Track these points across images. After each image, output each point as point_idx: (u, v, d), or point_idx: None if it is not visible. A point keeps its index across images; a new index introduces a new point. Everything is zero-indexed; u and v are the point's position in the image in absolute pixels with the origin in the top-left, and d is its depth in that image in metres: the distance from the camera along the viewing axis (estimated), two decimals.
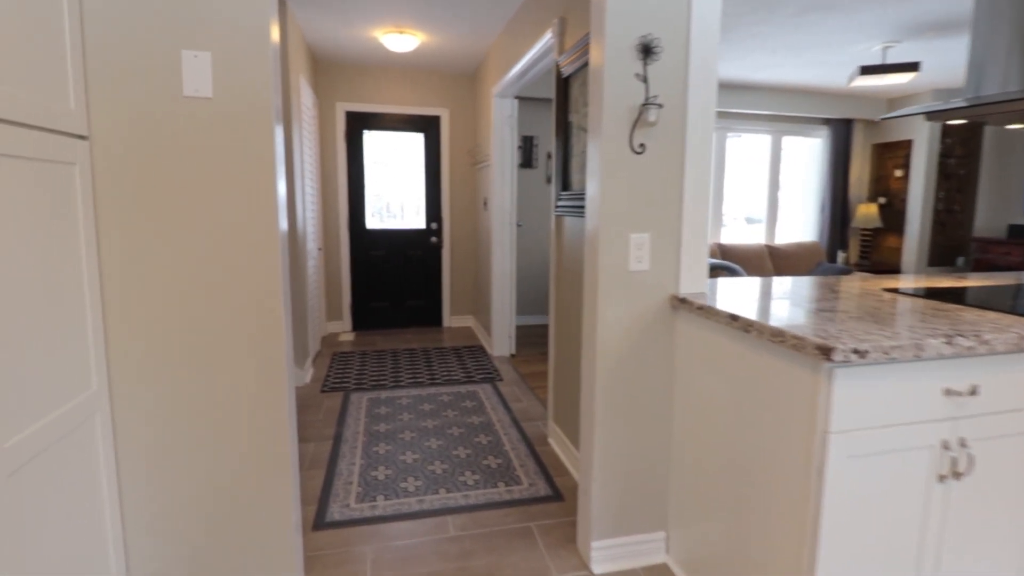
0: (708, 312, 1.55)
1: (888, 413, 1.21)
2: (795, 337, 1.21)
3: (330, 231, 5.05)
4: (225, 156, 1.43)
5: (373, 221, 5.21)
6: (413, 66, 4.94)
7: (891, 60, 4.31)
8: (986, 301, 1.60)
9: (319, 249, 4.71)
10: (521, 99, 5.16)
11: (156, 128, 1.38)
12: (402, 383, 3.75)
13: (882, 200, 6.04)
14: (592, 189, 1.72)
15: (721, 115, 5.65)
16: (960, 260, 5.78)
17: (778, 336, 1.26)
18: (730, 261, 5.21)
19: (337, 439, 2.85)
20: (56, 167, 1.19)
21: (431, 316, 5.46)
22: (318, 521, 2.12)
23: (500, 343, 4.44)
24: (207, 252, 1.45)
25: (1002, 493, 1.34)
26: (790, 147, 6.10)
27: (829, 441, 1.18)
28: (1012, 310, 1.47)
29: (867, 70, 3.94)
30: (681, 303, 1.70)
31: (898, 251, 5.88)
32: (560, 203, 2.66)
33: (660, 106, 1.59)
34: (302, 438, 2.87)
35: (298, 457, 2.60)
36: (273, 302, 1.51)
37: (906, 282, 2.04)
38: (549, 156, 5.44)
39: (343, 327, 5.23)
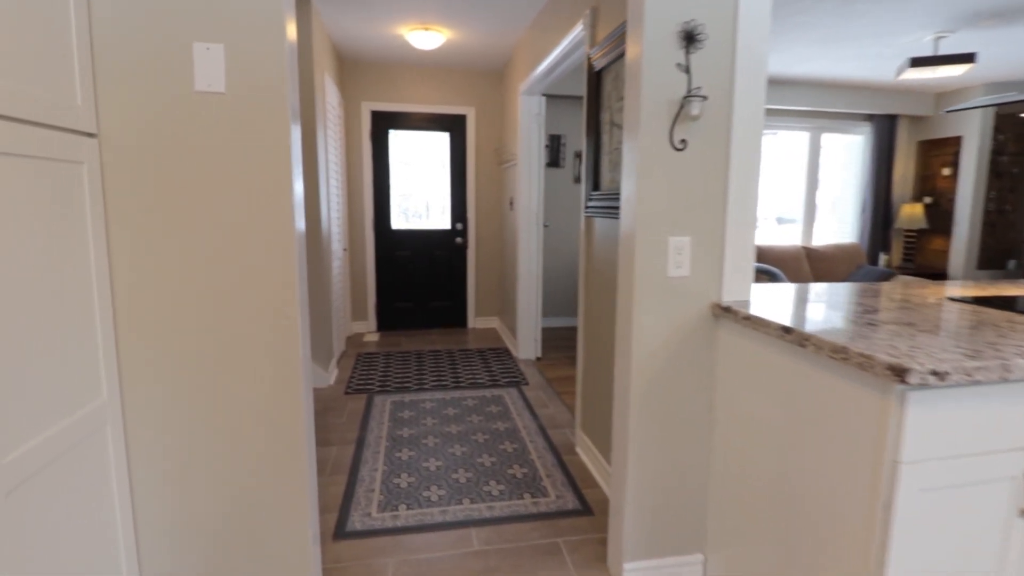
0: (756, 323, 1.42)
1: (967, 441, 1.07)
2: (861, 355, 1.08)
3: (355, 231, 5.02)
4: (239, 154, 1.35)
5: (398, 221, 5.16)
6: (438, 64, 4.87)
7: (943, 51, 4.07)
8: None
9: (344, 249, 4.68)
10: (549, 96, 5.05)
11: (167, 125, 1.31)
12: (426, 386, 3.68)
13: (928, 200, 5.74)
14: (628, 189, 1.61)
15: None
16: (1011, 263, 5.46)
17: (840, 353, 1.13)
18: (765, 263, 5.02)
19: (360, 443, 2.79)
20: (63, 166, 1.14)
21: (456, 317, 5.39)
22: (339, 531, 2.05)
23: (526, 346, 4.34)
24: (221, 253, 1.39)
25: None
26: (829, 144, 5.84)
27: (899, 472, 1.05)
28: None
29: (917, 62, 3.71)
30: (724, 312, 1.57)
31: (944, 253, 5.59)
32: (590, 204, 2.54)
33: (704, 98, 1.47)
34: (325, 441, 2.82)
35: (316, 464, 2.55)
36: (289, 305, 1.44)
37: (968, 289, 1.87)
38: (577, 155, 5.31)
39: (368, 327, 5.19)
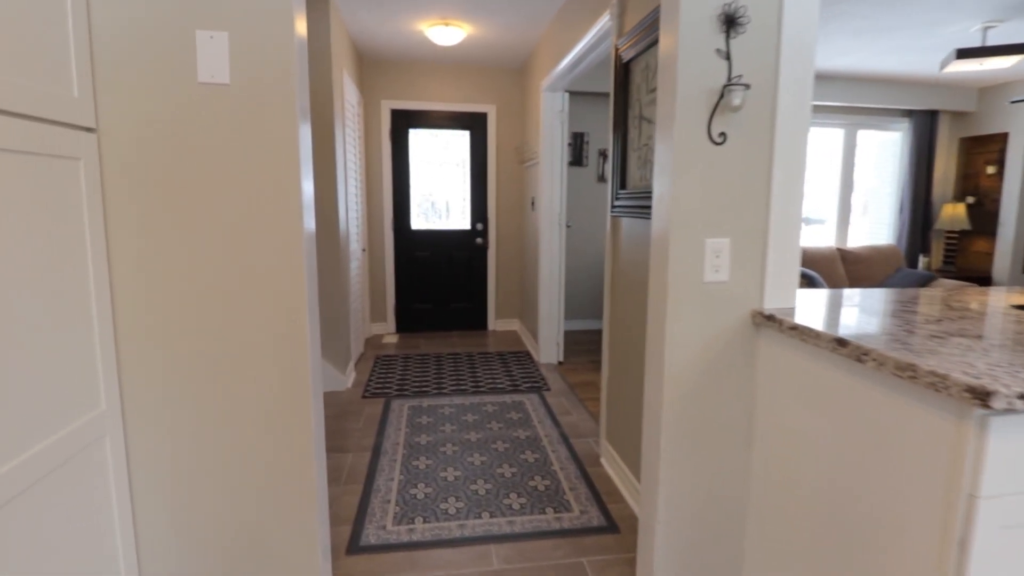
0: (804, 333, 1.29)
1: None
2: (933, 373, 0.94)
3: (374, 231, 4.96)
4: (244, 150, 1.27)
5: (418, 221, 5.08)
6: (459, 61, 4.79)
7: (991, 42, 3.84)
8: None
9: (363, 250, 4.62)
10: (572, 93, 4.92)
11: (169, 119, 1.23)
12: (445, 391, 3.59)
13: (971, 200, 5.47)
14: (660, 187, 1.49)
15: None
16: None
17: (907, 370, 1.00)
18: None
19: (376, 450, 2.71)
20: (58, 162, 1.06)
21: (476, 319, 5.30)
22: (352, 544, 1.96)
23: (547, 350, 4.23)
24: (225, 254, 1.31)
25: None
26: (865, 142, 5.61)
27: (977, 508, 0.92)
28: None
29: (964, 53, 3.50)
30: (766, 320, 1.44)
31: (988, 256, 5.31)
32: (617, 203, 2.42)
33: (746, 87, 1.34)
34: (341, 448, 2.74)
35: (332, 472, 2.47)
36: (298, 307, 1.35)
37: None
38: (601, 153, 5.17)
39: (387, 328, 5.13)
